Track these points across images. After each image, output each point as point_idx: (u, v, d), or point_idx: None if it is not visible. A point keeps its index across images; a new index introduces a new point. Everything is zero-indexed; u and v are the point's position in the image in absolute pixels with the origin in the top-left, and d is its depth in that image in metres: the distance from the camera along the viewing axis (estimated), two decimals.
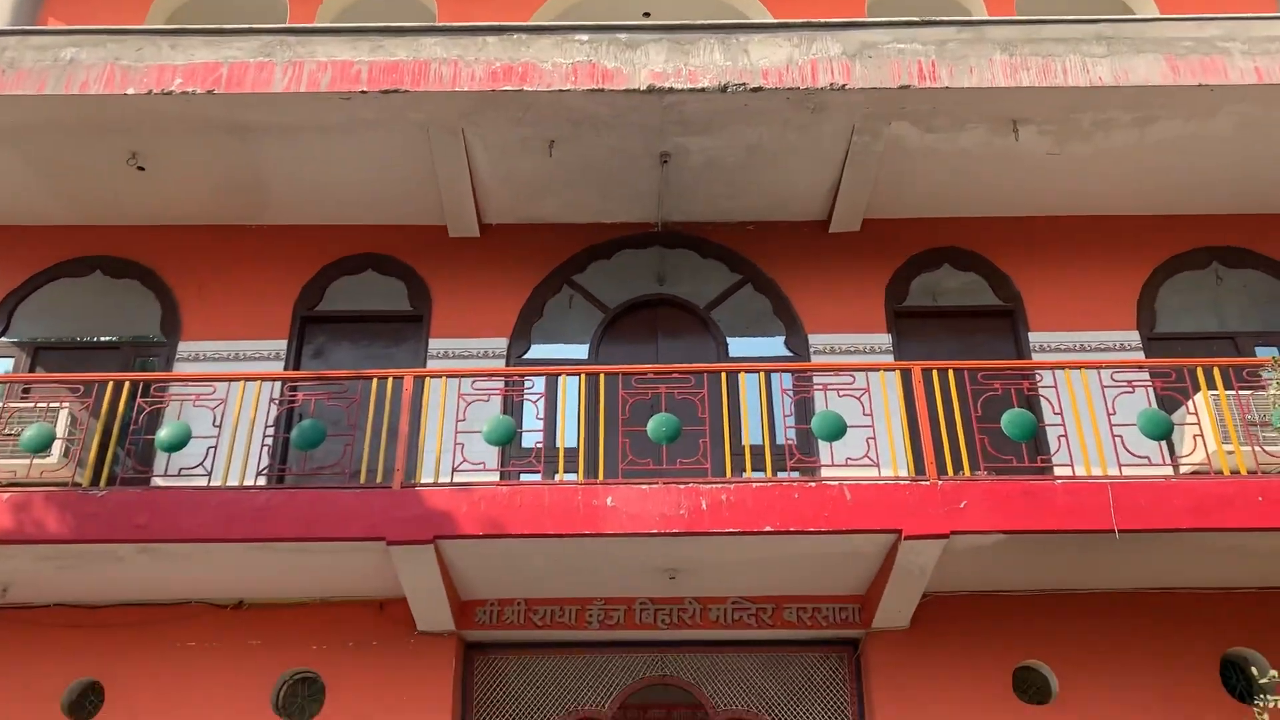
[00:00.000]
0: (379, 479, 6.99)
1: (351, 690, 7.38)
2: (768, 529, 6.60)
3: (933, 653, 7.44)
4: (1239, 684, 7.44)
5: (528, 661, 7.80)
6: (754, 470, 7.61)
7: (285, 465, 8.02)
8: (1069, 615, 7.52)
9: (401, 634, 7.53)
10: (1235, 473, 6.77)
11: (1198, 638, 7.41)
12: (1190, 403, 7.07)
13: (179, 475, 7.06)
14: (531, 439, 7.70)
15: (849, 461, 6.92)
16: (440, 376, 7.32)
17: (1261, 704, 6.07)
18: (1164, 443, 7.39)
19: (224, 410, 7.14)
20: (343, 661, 7.48)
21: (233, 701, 7.32)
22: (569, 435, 8.15)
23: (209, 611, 7.61)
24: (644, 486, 6.71)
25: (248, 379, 7.22)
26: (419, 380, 7.32)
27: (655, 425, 6.95)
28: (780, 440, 8.07)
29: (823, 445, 7.30)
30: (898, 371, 7.23)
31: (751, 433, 8.00)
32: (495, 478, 7.29)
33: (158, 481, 7.67)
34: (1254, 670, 5.91)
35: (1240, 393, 7.08)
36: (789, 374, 7.85)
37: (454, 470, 6.96)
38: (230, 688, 7.36)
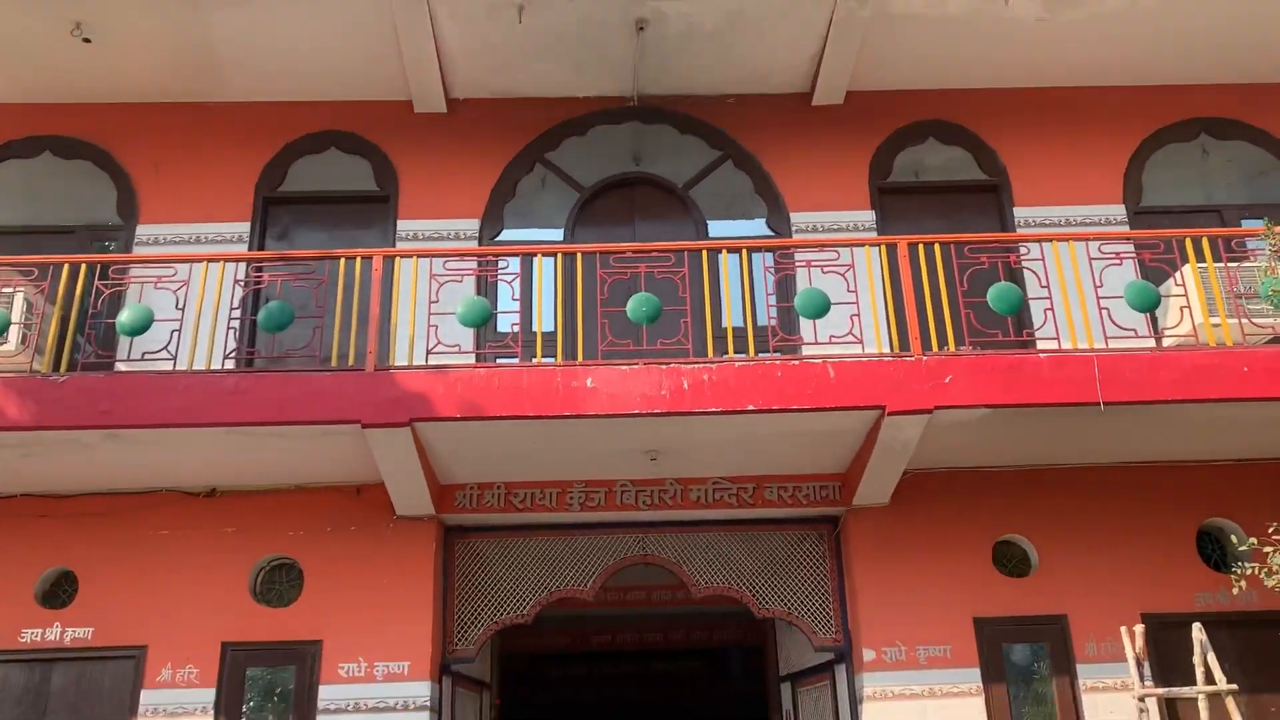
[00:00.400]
0: (350, 363, 6.80)
1: (330, 575, 7.32)
2: (750, 408, 6.49)
3: (913, 528, 7.46)
4: (1215, 554, 7.54)
5: (508, 544, 7.76)
6: (736, 352, 7.46)
7: (254, 349, 7.79)
8: (1049, 489, 7.54)
9: (380, 519, 7.44)
10: (1221, 345, 6.71)
11: (1176, 510, 7.47)
12: (1178, 274, 6.97)
13: (143, 360, 6.83)
14: (507, 322, 7.50)
15: (832, 339, 6.79)
16: (411, 256, 7.06)
17: (1239, 570, 6.12)
18: (1150, 317, 7.34)
19: (186, 293, 6.88)
20: (320, 547, 7.40)
21: (209, 588, 7.24)
22: (546, 319, 7.98)
23: (181, 499, 7.48)
24: (624, 367, 6.57)
25: (210, 260, 6.92)
26: (389, 260, 7.07)
27: (635, 305, 6.77)
28: (762, 321, 7.91)
29: (805, 324, 7.15)
30: (882, 246, 7.06)
31: (733, 314, 7.85)
32: (471, 361, 7.12)
33: (121, 368, 7.43)
34: (1233, 538, 5.93)
35: (1228, 265, 6.98)
36: (771, 252, 7.65)
37: (428, 353, 6.77)
38: (206, 575, 7.28)
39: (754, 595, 7.67)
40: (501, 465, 7.32)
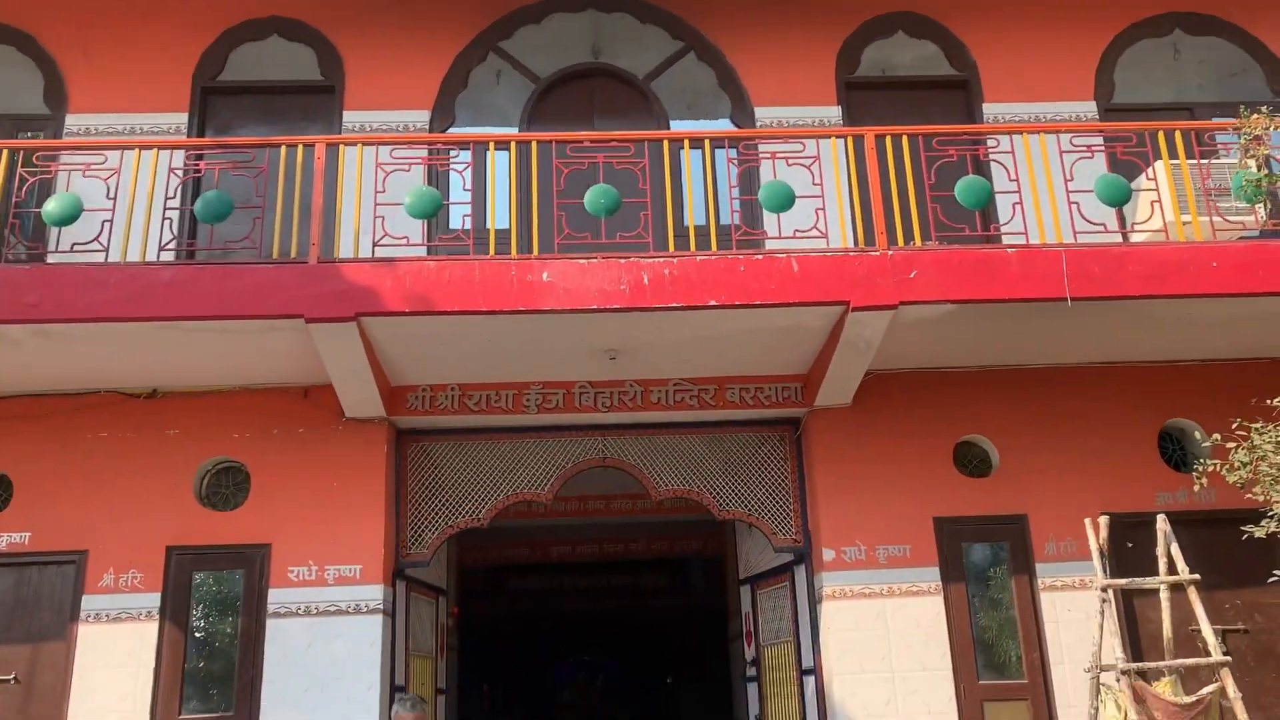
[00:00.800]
0: (293, 256, 6.49)
1: (277, 479, 7.10)
2: (712, 303, 6.29)
3: (874, 430, 7.36)
4: (1175, 454, 7.53)
5: (463, 447, 7.56)
6: (698, 249, 7.22)
7: (193, 242, 7.44)
8: (1011, 390, 7.46)
9: (329, 421, 7.21)
10: (1191, 241, 6.58)
11: (1138, 410, 7.42)
12: (1150, 169, 6.80)
13: (73, 252, 6.46)
14: (459, 215, 7.18)
15: (797, 234, 6.57)
16: (356, 144, 6.72)
17: (1200, 468, 6.08)
18: (1120, 214, 7.19)
19: (118, 182, 6.49)
20: (267, 450, 7.16)
21: (152, 492, 7.00)
22: (500, 216, 7.65)
23: (121, 401, 7.19)
24: (582, 261, 6.33)
25: (143, 146, 6.54)
26: (332, 149, 6.71)
27: (593, 196, 6.50)
28: (726, 218, 7.66)
29: (770, 219, 6.92)
30: (849, 138, 6.80)
31: (695, 210, 7.59)
32: (421, 254, 6.84)
33: (51, 260, 7.05)
34: (1197, 435, 5.88)
35: (1200, 161, 6.82)
36: (735, 145, 7.38)
37: (374, 246, 6.47)
38: (148, 478, 7.03)
39: (715, 497, 7.56)
40: (454, 365, 7.09)
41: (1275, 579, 5.88)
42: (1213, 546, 6.76)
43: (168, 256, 6.84)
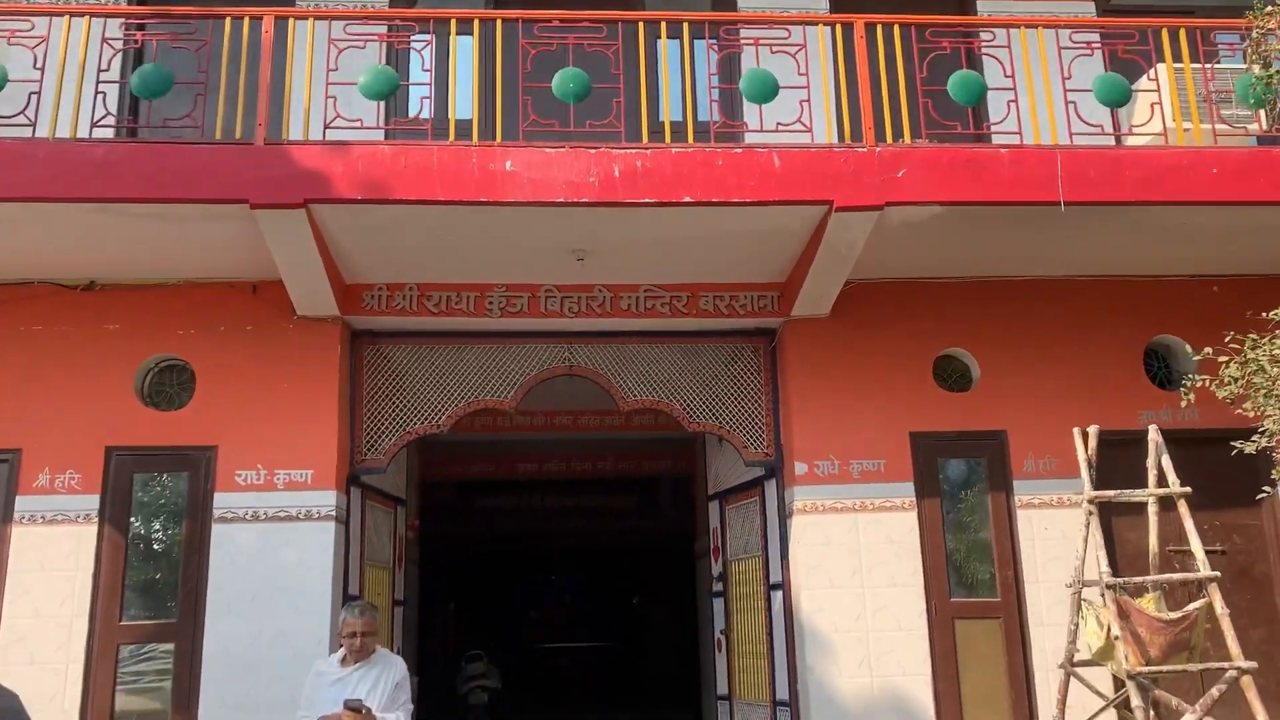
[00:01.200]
0: (238, 137, 6.03)
1: (225, 378, 6.73)
2: (687, 199, 5.93)
3: (852, 341, 7.08)
4: (1160, 372, 7.30)
5: (423, 351, 7.21)
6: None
7: (133, 119, 6.95)
8: (994, 303, 7.18)
9: (279, 319, 6.82)
10: (1191, 145, 6.26)
11: (1124, 326, 7.18)
12: (1151, 70, 6.43)
13: None
14: (418, 98, 6.70)
15: (779, 127, 6.18)
16: (307, 18, 6.23)
17: (1189, 383, 5.83)
18: (1115, 117, 6.84)
19: (46, 51, 5.97)
20: (214, 348, 6.78)
21: (90, 389, 6.62)
22: (461, 105, 7.19)
23: (56, 292, 6.76)
24: (549, 150, 5.92)
25: (74, 14, 6.02)
26: (282, 22, 6.20)
27: (561, 80, 6.07)
28: (704, 114, 7.26)
29: (750, 111, 6.53)
30: (837, 26, 6.37)
31: (673, 108, 7.15)
32: (377, 139, 6.40)
33: None
34: (1188, 349, 5.64)
35: (1204, 64, 6.45)
36: (715, 31, 6.93)
37: (326, 128, 6.02)
38: (86, 375, 6.64)
39: (685, 409, 7.27)
40: (412, 262, 6.70)
41: (1265, 495, 5.69)
42: (1195, 466, 6.52)
43: (104, 136, 6.33)
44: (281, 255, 6.17)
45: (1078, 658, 4.71)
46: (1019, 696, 6.58)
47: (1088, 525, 4.66)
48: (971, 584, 6.78)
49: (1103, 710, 4.85)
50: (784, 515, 7.05)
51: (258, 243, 6.11)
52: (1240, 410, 5.66)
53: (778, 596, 7.08)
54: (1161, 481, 4.64)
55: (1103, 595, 4.47)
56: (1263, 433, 5.45)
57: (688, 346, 7.35)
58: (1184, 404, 5.87)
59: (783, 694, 6.95)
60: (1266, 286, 6.83)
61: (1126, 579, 4.50)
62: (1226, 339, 5.71)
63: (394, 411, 7.08)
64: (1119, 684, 5.66)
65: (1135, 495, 4.70)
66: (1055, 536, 6.78)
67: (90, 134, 5.94)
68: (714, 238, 6.42)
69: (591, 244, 6.49)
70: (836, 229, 6.12)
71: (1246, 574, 6.80)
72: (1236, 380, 5.73)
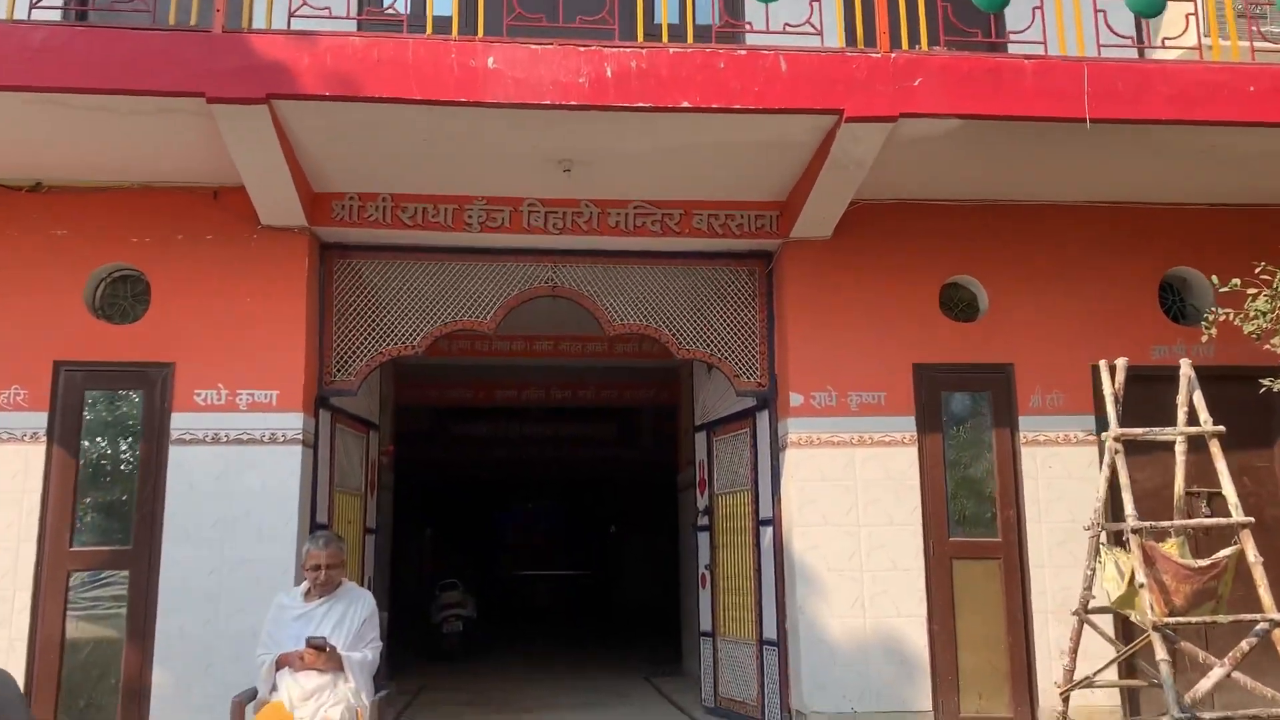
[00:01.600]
0: (193, 22, 5.50)
1: (183, 291, 6.27)
2: (685, 105, 5.45)
3: (854, 266, 6.68)
4: (1174, 306, 6.96)
5: (397, 267, 6.75)
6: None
7: (83, 2, 6.39)
8: (1007, 229, 6.79)
9: (242, 229, 6.35)
10: (1227, 61, 5.82)
11: (1140, 256, 6.80)
12: None
13: None
14: None
15: (787, 28, 5.69)
16: None
17: (1210, 317, 5.49)
18: (1147, 30, 6.38)
19: None
20: (171, 258, 6.31)
21: (37, 300, 6.15)
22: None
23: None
24: (534, 47, 5.42)
25: None
26: None
27: None
28: (705, 17, 6.75)
29: (755, 9, 6.04)
30: None
31: (671, 9, 6.63)
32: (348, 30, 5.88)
33: None
34: (1213, 279, 5.28)
35: None
36: None
37: (291, 15, 5.49)
38: (32, 284, 6.17)
39: (674, 335, 6.87)
40: (385, 170, 6.22)
41: None
42: (1211, 404, 6.25)
43: (48, 19, 5.76)
44: (242, 157, 5.67)
45: (1092, 604, 4.42)
46: (1016, 640, 6.33)
47: (1114, 465, 4.33)
48: (971, 523, 6.49)
49: (1116, 660, 4.57)
50: (776, 448, 6.71)
51: (218, 144, 5.61)
52: (1269, 346, 5.33)
53: (767, 532, 6.77)
54: (1192, 420, 4.30)
55: (1126, 540, 4.16)
56: None
57: (679, 268, 6.93)
58: (1204, 338, 5.54)
59: (770, 633, 6.69)
60: None
61: (1154, 523, 4.18)
62: (1257, 269, 5.37)
63: (366, 331, 6.65)
64: (1128, 630, 5.40)
65: (1164, 434, 4.36)
66: (1059, 475, 6.48)
67: (29, 15, 5.38)
68: (712, 149, 5.97)
69: (579, 153, 6.02)
70: (845, 142, 5.67)
71: (1257, 518, 6.50)
72: (1265, 314, 5.39)
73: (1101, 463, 5.83)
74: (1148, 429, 4.37)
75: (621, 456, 14.71)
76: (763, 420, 6.90)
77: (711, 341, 6.89)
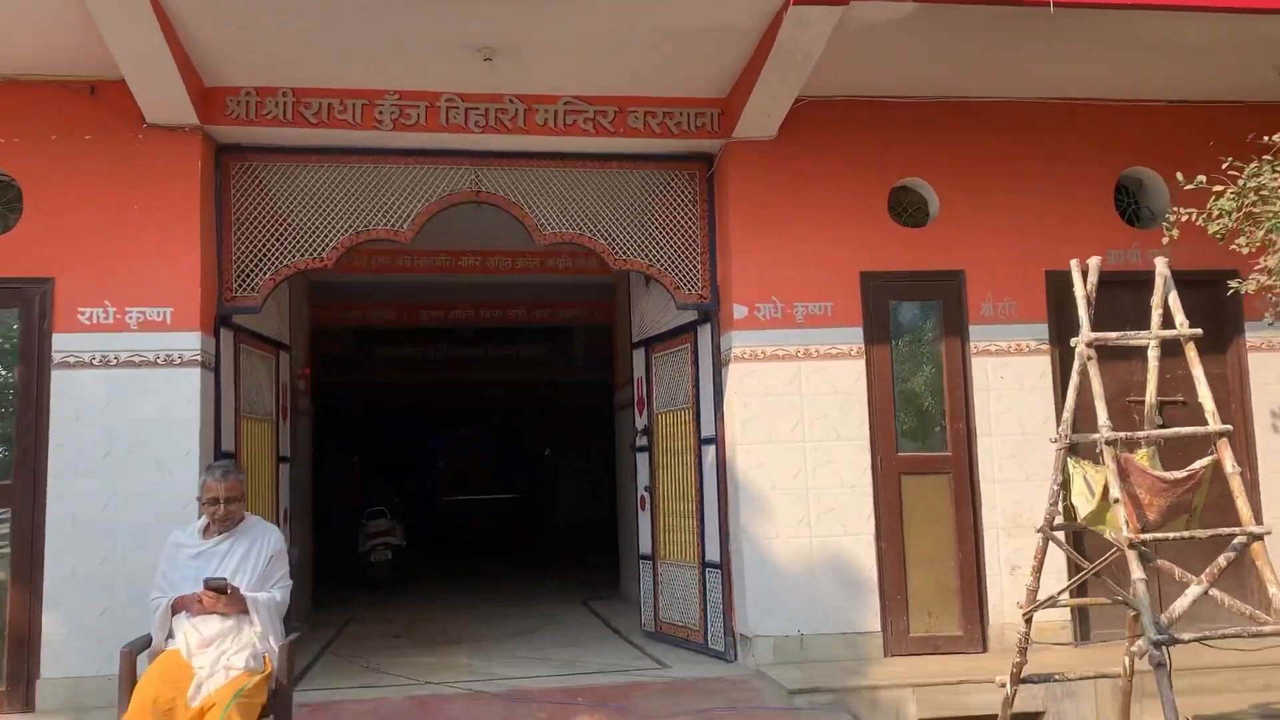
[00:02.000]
0: None
1: (60, 197, 5.62)
2: None
3: (800, 168, 6.26)
4: (1129, 209, 6.68)
5: (301, 170, 6.16)
6: None
7: None
8: (956, 128, 6.41)
9: (125, 128, 5.70)
10: None
11: (1095, 155, 6.49)
12: None
13: None
14: None
15: None
16: None
17: (1172, 218, 5.20)
18: None
19: None
20: (45, 161, 5.64)
21: None
22: None
23: None
24: None
25: None
26: None
27: None
28: None
29: None
30: None
31: None
32: None
33: None
34: (1179, 176, 4.98)
35: None
36: None
37: None
38: None
39: (610, 245, 6.41)
40: (284, 59, 5.60)
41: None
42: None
43: None
44: (118, 43, 5.01)
45: (1058, 520, 4.17)
46: (966, 556, 6.12)
47: (1084, 372, 4.03)
48: (920, 437, 6.22)
49: (1083, 577, 4.34)
50: (719, 364, 6.34)
51: (92, 32, 4.95)
52: (1234, 246, 5.06)
53: (709, 452, 6.44)
54: (1167, 323, 4.02)
55: (1099, 452, 3.89)
56: (1263, 269, 4.87)
57: (614, 172, 6.44)
58: (1165, 240, 5.27)
59: (713, 555, 6.40)
60: (1255, 114, 6.17)
61: (1129, 434, 3.91)
62: (1225, 165, 5.06)
63: (269, 242, 6.07)
64: (1080, 547, 5.20)
65: (1138, 338, 4.07)
66: (1011, 387, 6.23)
67: None
68: (648, 36, 5.47)
69: (501, 38, 5.47)
70: (792, 28, 5.20)
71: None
72: (1230, 214, 5.12)
73: (1061, 371, 5.60)
74: (1122, 333, 4.08)
75: (555, 377, 14.27)
76: (704, 334, 6.51)
77: (650, 251, 6.45)
